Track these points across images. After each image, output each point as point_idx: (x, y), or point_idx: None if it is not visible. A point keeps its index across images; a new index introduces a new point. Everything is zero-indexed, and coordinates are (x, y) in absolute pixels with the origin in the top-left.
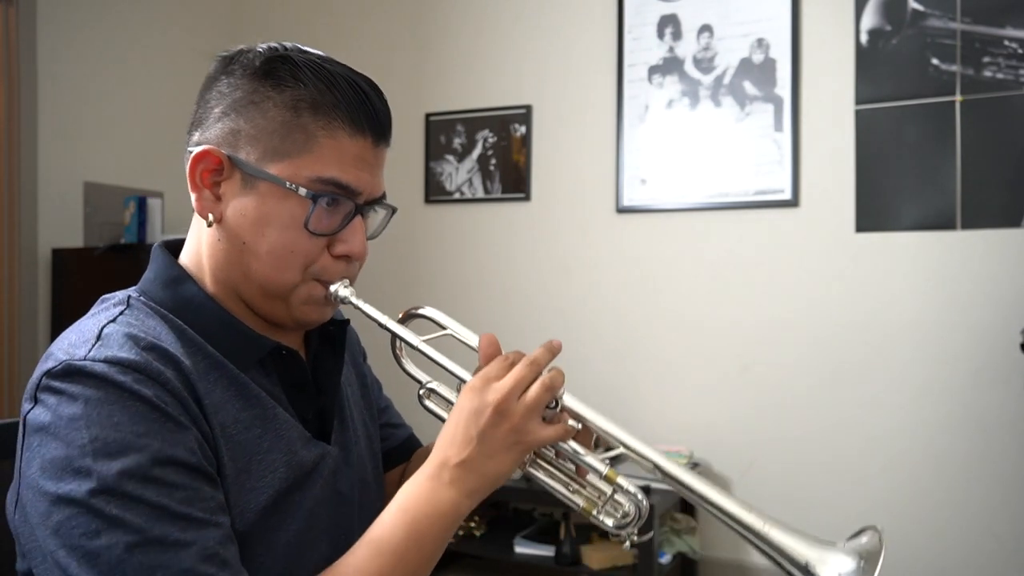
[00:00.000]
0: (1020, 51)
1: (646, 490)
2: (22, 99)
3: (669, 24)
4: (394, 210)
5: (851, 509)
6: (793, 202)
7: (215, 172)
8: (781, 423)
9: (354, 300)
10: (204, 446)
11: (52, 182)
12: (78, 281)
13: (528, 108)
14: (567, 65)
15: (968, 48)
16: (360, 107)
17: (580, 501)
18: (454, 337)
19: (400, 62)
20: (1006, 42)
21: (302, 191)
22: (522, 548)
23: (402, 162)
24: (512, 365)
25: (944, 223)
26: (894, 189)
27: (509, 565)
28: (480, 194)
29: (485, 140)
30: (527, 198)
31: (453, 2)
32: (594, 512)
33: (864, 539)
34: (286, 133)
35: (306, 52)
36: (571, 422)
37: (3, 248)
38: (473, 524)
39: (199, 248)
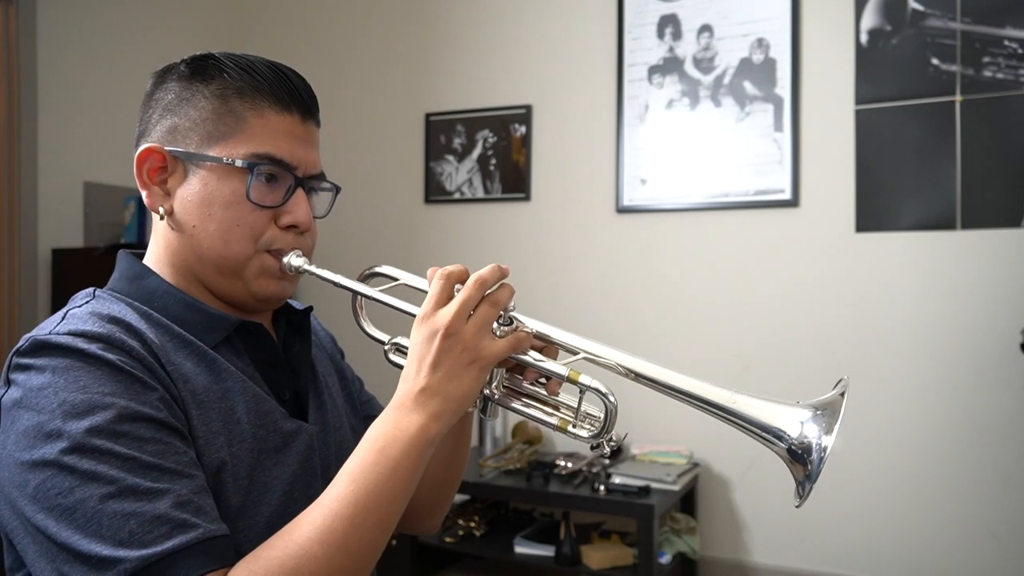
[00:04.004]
0: (1020, 51)
1: (645, 490)
2: (22, 99)
3: (669, 24)
4: (338, 189)
5: (851, 509)
6: (793, 202)
7: (161, 170)
8: None
9: (309, 267)
10: (173, 406)
11: (52, 182)
12: (78, 281)
13: (528, 108)
14: (567, 65)
15: (968, 48)
16: (282, 86)
17: (555, 420)
18: (408, 286)
19: (400, 62)
20: (1006, 42)
21: (239, 163)
22: (522, 548)
23: (402, 162)
24: (456, 284)
25: (944, 223)
26: (894, 189)
27: (509, 565)
28: (480, 194)
29: (485, 140)
30: (527, 198)
31: (453, 3)
32: (569, 427)
33: (827, 395)
34: (217, 119)
35: (229, 52)
36: (526, 329)
37: (3, 248)
38: (473, 524)
39: (158, 244)
